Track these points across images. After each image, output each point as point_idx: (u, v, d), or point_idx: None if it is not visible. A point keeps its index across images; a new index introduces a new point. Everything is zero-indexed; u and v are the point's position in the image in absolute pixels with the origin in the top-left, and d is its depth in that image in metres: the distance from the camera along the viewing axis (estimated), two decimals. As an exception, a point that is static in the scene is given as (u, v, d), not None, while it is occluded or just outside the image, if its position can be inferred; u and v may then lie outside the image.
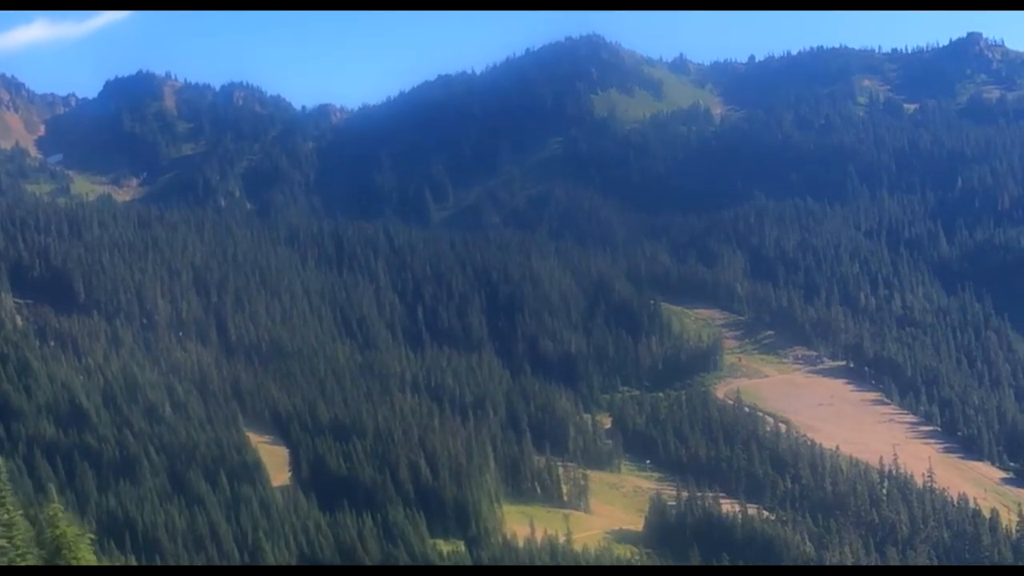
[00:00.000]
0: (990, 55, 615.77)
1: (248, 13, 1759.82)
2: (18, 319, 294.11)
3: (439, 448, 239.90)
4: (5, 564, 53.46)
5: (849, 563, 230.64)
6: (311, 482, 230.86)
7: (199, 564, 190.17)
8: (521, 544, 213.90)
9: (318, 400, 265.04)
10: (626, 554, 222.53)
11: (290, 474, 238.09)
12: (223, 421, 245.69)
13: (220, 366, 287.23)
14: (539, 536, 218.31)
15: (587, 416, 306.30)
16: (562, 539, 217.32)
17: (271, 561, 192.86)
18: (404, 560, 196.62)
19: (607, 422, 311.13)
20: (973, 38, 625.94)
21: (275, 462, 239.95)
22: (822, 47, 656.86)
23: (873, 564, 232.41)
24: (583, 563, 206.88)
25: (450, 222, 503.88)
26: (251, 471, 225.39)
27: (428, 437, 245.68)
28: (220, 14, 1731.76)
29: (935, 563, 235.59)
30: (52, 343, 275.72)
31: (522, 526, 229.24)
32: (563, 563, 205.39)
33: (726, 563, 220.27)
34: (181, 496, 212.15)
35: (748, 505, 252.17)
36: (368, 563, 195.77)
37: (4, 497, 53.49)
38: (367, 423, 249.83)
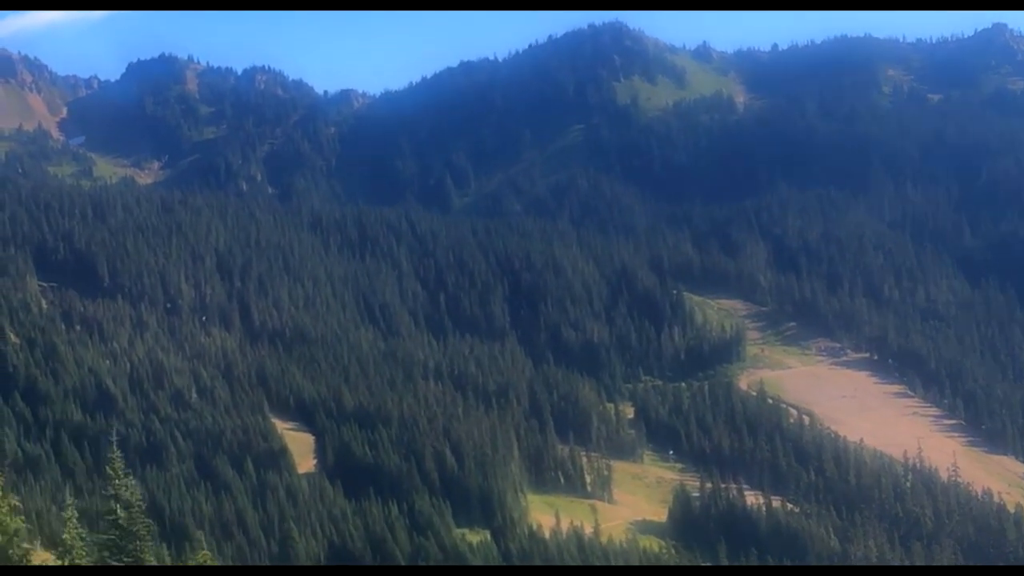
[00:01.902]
0: (1015, 46, 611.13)
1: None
2: (43, 303, 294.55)
3: (464, 437, 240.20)
4: None
5: (874, 557, 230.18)
6: (336, 470, 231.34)
7: (227, 551, 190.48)
8: (547, 535, 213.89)
9: (342, 387, 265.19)
10: (651, 546, 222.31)
11: (315, 461, 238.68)
12: (249, 407, 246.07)
13: (244, 352, 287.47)
14: (564, 527, 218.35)
15: (610, 406, 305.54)
16: (588, 530, 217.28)
17: (301, 550, 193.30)
18: (433, 551, 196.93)
19: (630, 412, 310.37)
20: (998, 29, 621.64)
21: (300, 449, 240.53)
22: (846, 36, 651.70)
23: (898, 558, 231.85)
24: (610, 555, 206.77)
25: (471, 209, 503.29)
26: (277, 458, 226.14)
27: (453, 426, 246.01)
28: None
29: (960, 559, 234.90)
30: (78, 327, 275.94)
31: (547, 516, 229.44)
32: (590, 554, 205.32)
33: (753, 557, 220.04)
34: (208, 482, 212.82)
35: (772, 497, 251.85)
36: (399, 554, 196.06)
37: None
38: (392, 411, 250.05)
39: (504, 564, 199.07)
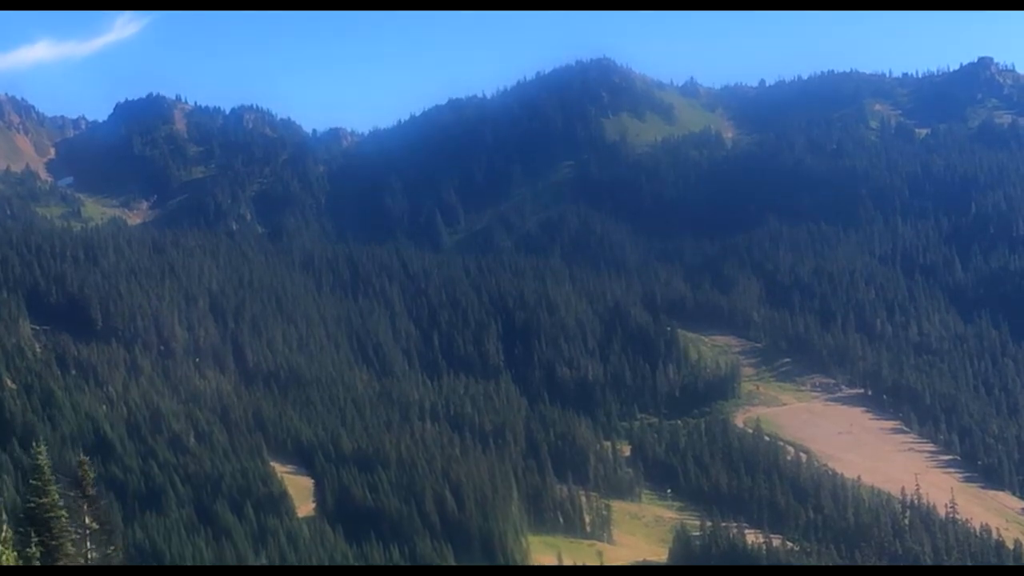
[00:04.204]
0: (1001, 80, 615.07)
1: (257, 35, 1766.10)
2: (37, 347, 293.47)
3: (464, 479, 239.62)
4: None
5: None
6: (337, 513, 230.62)
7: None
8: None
9: (340, 429, 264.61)
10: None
11: (315, 505, 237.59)
12: (247, 451, 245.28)
13: (240, 394, 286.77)
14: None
15: (607, 444, 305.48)
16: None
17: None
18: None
19: (626, 450, 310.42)
20: (984, 63, 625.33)
21: (299, 493, 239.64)
22: (832, 71, 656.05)
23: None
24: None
25: (461, 246, 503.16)
26: (277, 502, 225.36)
27: (452, 467, 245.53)
28: (230, 36, 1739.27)
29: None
30: (73, 372, 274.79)
31: (547, 558, 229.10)
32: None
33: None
34: (208, 527, 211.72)
35: (771, 536, 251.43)
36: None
37: None
38: (390, 453, 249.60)
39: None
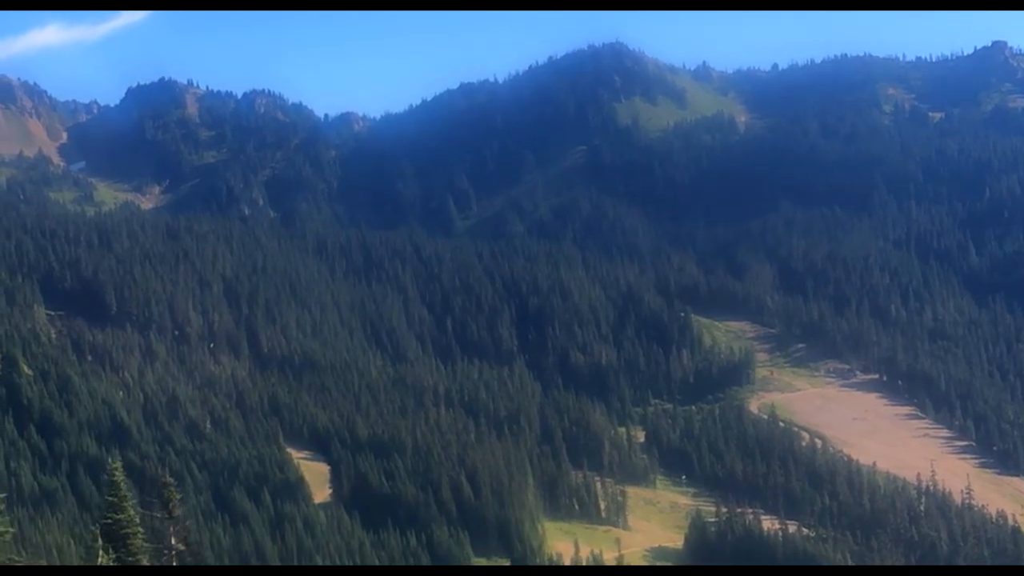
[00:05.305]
0: (1015, 64, 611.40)
1: (269, 20, 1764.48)
2: (52, 332, 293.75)
3: (480, 465, 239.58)
4: None
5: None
6: (353, 500, 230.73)
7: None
8: (568, 564, 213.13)
9: (355, 415, 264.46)
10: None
11: (331, 491, 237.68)
12: (264, 437, 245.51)
13: (255, 380, 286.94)
14: (584, 555, 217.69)
15: (621, 430, 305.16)
16: (607, 558, 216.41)
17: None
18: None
19: (640, 436, 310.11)
20: (998, 47, 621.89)
21: (315, 479, 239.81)
22: (846, 55, 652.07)
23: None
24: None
25: (473, 231, 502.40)
26: (294, 489, 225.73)
27: (468, 453, 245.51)
28: (241, 20, 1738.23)
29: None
30: (89, 357, 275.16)
31: (564, 544, 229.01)
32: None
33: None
34: (225, 514, 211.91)
35: (787, 522, 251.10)
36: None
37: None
38: (406, 439, 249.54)
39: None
